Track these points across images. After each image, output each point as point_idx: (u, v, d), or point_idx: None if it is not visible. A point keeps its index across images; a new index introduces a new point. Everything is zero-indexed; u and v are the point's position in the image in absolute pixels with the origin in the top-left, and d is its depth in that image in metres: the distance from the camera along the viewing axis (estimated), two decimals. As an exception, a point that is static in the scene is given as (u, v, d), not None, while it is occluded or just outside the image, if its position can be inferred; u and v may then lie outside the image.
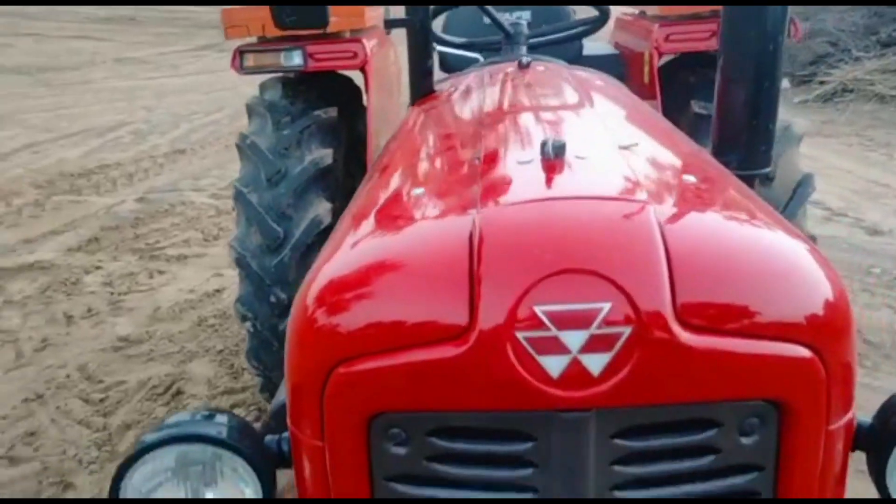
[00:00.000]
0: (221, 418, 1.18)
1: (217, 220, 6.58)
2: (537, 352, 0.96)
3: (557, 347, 0.96)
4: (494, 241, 1.01)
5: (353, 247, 1.18)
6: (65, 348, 4.49)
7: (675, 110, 3.24)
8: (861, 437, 1.12)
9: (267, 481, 1.14)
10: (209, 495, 1.14)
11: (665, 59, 3.45)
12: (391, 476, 1.08)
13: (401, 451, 1.05)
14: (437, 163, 1.48)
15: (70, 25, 19.35)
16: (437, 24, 3.60)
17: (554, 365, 0.96)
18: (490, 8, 2.69)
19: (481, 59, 2.78)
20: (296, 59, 3.13)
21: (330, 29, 3.15)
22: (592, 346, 0.96)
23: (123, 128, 10.12)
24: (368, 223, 1.25)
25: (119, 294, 5.21)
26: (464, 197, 1.17)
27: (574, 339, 0.96)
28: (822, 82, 11.55)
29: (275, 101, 3.33)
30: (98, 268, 5.65)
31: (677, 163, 1.44)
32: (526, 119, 1.63)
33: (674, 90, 3.21)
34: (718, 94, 1.64)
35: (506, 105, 1.82)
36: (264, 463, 1.15)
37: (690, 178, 1.28)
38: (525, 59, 2.29)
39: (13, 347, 4.55)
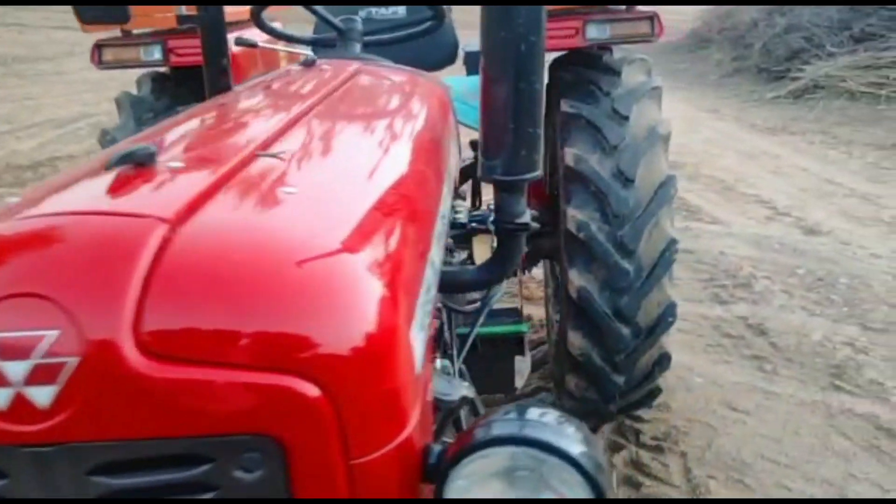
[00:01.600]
0: None
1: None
2: None
3: (0, 379, 0.89)
4: None
5: None
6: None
7: (551, 108, 3.18)
8: (432, 466, 1.05)
9: None
10: None
11: (554, 55, 3.38)
12: None
13: None
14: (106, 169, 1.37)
15: (55, 15, 19.30)
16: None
17: None
18: (320, 8, 2.62)
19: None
20: (155, 54, 3.07)
21: (185, 25, 3.10)
22: (36, 377, 0.88)
23: (84, 119, 10.08)
24: None
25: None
26: (47, 206, 1.08)
27: (16, 369, 0.88)
28: (794, 78, 11.43)
29: (142, 96, 3.27)
30: (22, 262, 5.62)
31: (308, 176, 1.32)
32: (210, 124, 1.55)
33: (557, 88, 3.16)
34: (482, 98, 1.54)
35: (228, 109, 1.75)
36: None
37: (292, 192, 1.18)
38: (311, 58, 2.22)
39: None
